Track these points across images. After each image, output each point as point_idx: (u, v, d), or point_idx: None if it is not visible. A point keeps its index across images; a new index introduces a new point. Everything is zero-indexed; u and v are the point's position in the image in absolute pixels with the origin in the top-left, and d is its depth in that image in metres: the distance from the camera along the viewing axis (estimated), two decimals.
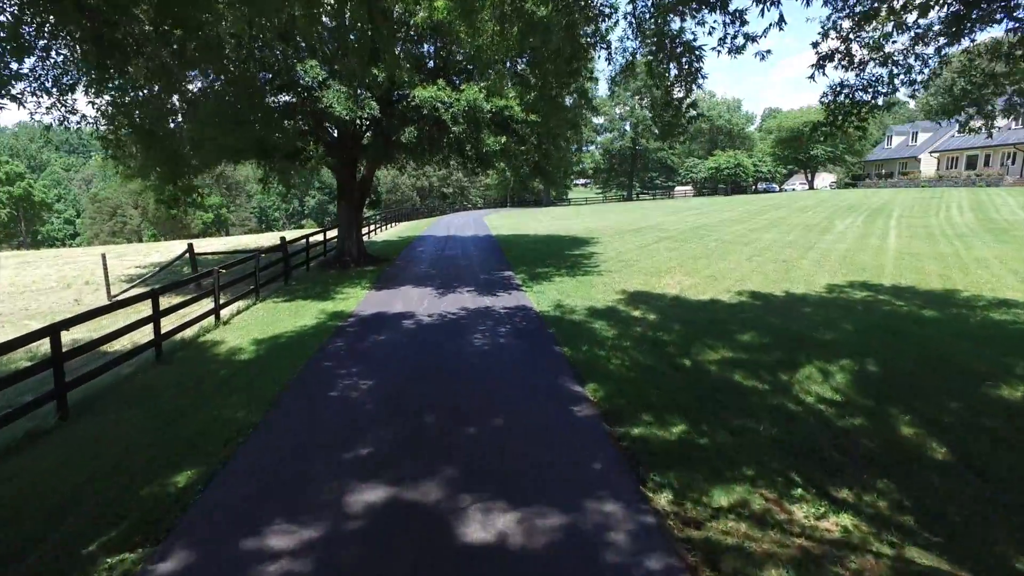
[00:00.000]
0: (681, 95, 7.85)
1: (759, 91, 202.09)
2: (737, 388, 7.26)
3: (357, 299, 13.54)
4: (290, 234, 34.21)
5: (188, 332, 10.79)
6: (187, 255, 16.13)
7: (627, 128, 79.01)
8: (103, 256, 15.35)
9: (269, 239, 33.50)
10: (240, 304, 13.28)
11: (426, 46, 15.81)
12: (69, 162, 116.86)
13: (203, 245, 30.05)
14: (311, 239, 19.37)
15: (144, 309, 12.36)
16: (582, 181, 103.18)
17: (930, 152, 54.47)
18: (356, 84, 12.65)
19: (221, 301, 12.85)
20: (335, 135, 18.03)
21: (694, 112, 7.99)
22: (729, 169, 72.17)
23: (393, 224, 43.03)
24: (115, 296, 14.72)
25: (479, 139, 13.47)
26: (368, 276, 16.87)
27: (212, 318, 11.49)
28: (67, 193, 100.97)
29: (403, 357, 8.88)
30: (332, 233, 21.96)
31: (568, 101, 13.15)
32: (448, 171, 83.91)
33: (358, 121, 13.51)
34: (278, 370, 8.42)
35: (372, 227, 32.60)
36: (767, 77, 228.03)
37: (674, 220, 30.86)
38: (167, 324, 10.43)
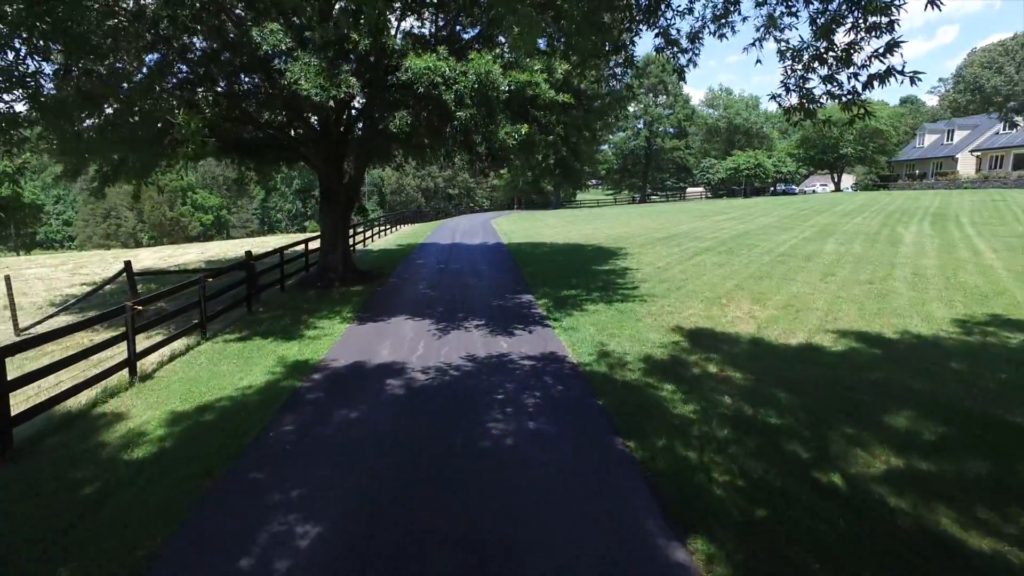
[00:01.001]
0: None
1: (761, 90, 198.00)
2: (958, 554, 4.01)
3: (332, 337, 10.34)
4: (281, 239, 31.16)
5: (85, 395, 7.64)
6: (128, 274, 12.93)
7: (641, 126, 75.64)
8: (7, 278, 12.18)
9: (261, 244, 30.42)
10: (179, 344, 10.12)
11: None
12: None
13: (174, 256, 26.98)
14: (288, 251, 16.21)
15: (48, 352, 9.21)
16: (590, 182, 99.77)
17: (970, 151, 50.82)
18: (331, 53, 9.48)
19: (158, 338, 9.71)
20: (318, 127, 14.86)
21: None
22: (749, 170, 68.65)
23: (395, 228, 39.91)
24: (24, 329, 11.59)
25: (492, 128, 10.20)
26: (353, 300, 13.69)
27: (126, 371, 8.32)
28: (67, 194, 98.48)
29: (379, 460, 5.68)
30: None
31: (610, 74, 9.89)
32: (453, 171, 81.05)
33: (332, 103, 10.26)
34: (178, 487, 5.24)
35: (373, 232, 29.43)
36: (773, 76, 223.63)
37: (707, 226, 27.53)
38: (70, 376, 7.26)
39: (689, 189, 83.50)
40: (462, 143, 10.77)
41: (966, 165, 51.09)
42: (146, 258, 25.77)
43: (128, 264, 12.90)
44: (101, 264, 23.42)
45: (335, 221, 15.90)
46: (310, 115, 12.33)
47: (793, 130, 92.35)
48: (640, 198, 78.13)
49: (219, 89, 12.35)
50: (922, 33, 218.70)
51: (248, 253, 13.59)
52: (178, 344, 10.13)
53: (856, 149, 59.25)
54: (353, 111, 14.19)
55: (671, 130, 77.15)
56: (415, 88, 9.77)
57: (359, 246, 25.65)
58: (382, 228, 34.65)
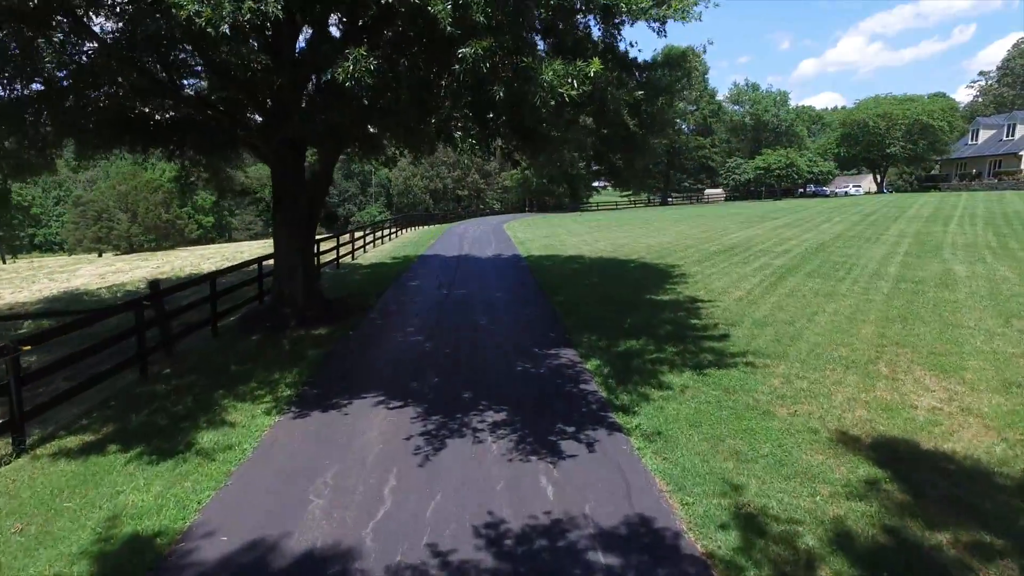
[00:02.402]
0: None
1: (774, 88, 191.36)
2: None
3: (236, 456, 5.85)
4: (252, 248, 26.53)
5: None
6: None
7: None
8: None
9: (246, 251, 26.09)
10: None
11: None
12: (75, 163, 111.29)
13: (122, 272, 22.62)
14: (227, 275, 11.80)
15: None
16: (600, 183, 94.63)
17: None
18: None
19: None
20: (268, 100, 10.39)
21: None
22: (780, 169, 63.65)
23: (397, 233, 35.50)
24: None
25: (528, 70, 5.53)
26: (306, 357, 9.17)
27: None
28: (68, 196, 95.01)
29: None
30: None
31: None
32: (462, 171, 76.76)
33: (232, 32, 5.73)
34: None
35: (370, 239, 24.99)
36: (786, 77, 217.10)
37: (764, 235, 22.82)
38: None
39: (708, 190, 78.45)
40: (470, 108, 6.16)
41: None
42: (87, 274, 21.50)
43: None
44: (11, 285, 19.12)
45: (293, 234, 11.46)
46: (237, 73, 7.99)
47: (826, 128, 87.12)
48: (661, 200, 73.32)
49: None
50: (937, 33, 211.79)
51: (153, 284, 9.16)
52: None
53: (905, 147, 54.02)
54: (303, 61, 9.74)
55: (690, 128, 72.30)
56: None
57: (345, 259, 21.20)
58: (382, 233, 30.23)
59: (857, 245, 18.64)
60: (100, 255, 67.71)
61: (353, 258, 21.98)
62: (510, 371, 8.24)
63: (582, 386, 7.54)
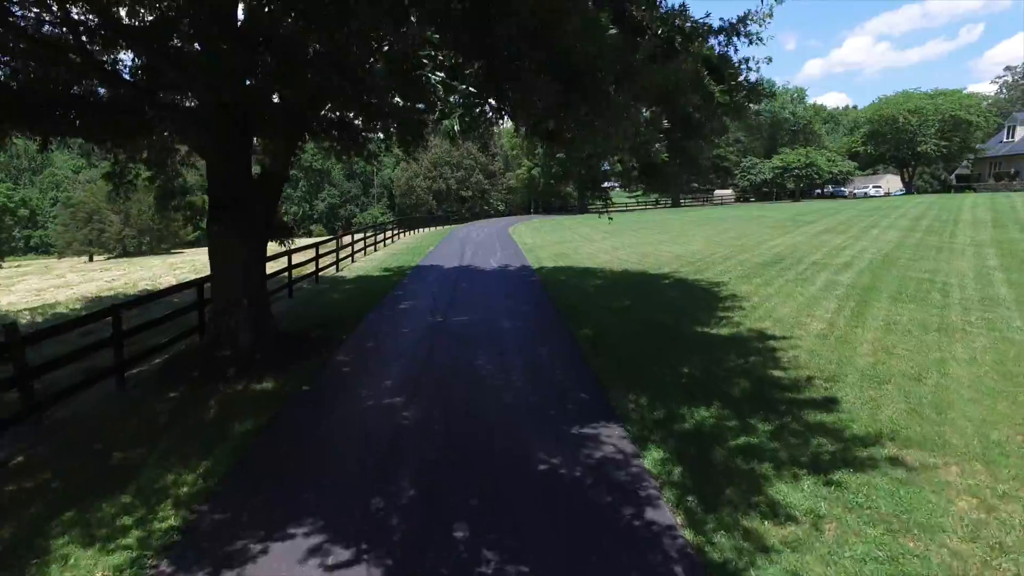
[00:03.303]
0: None
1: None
2: None
3: None
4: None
5: None
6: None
7: None
8: None
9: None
10: None
11: None
12: (78, 164, 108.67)
13: (60, 290, 19.87)
14: (145, 302, 8.97)
15: None
16: (608, 184, 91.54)
17: None
18: None
19: None
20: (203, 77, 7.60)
21: None
22: (800, 169, 60.52)
23: (396, 236, 32.74)
24: None
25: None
26: (229, 440, 6.30)
27: None
28: (68, 197, 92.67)
29: None
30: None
31: None
32: (465, 171, 74.07)
33: None
34: None
35: (364, 243, 22.14)
36: (790, 77, 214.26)
37: (808, 243, 19.87)
38: None
39: (717, 191, 75.15)
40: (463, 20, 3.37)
41: None
42: (24, 289, 18.75)
43: None
44: None
45: (236, 251, 8.64)
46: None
47: (839, 127, 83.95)
48: (673, 202, 70.27)
49: None
50: (944, 32, 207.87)
51: (9, 329, 6.34)
52: None
53: (937, 145, 50.79)
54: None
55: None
56: None
57: (328, 271, 18.39)
58: (375, 239, 27.42)
59: (931, 257, 15.69)
60: (91, 258, 65.35)
61: (337, 269, 19.12)
62: (529, 471, 5.36)
63: (647, 512, 4.64)
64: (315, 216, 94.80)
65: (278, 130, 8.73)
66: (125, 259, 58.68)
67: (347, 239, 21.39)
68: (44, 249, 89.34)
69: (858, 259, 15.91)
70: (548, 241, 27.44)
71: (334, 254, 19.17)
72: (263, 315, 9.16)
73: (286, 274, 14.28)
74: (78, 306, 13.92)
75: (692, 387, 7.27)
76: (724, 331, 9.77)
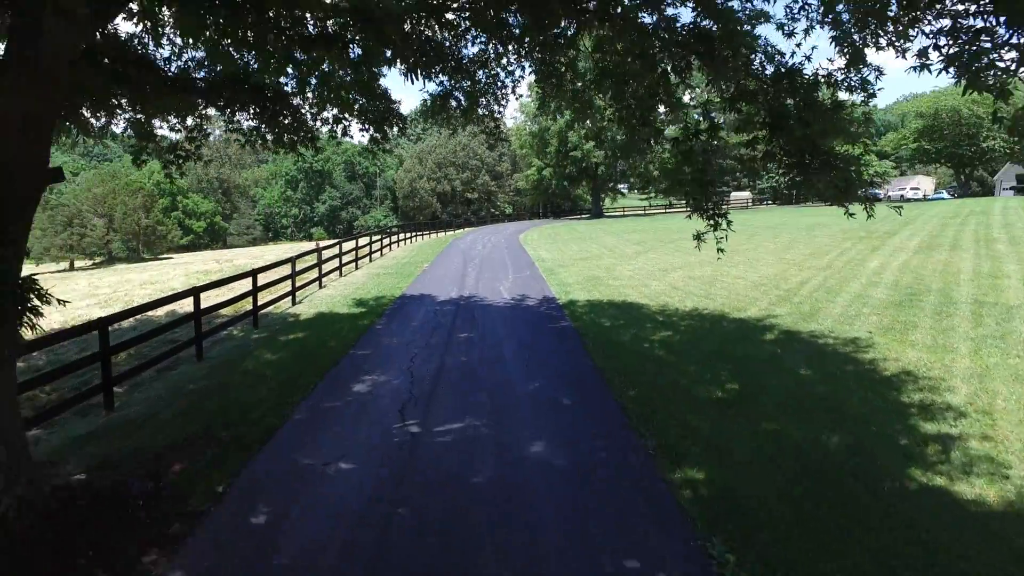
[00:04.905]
0: None
1: None
2: None
3: None
4: (283, 249, 18.59)
5: None
6: None
7: (697, 116, 62.15)
8: None
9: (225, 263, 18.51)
10: None
11: None
12: (78, 165, 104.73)
13: None
14: None
15: None
16: (624, 186, 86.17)
17: None
18: None
19: None
20: None
21: None
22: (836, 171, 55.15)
23: (396, 244, 27.92)
24: None
25: None
26: None
27: None
28: (44, 200, 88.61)
29: None
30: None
31: None
32: (471, 172, 69.34)
33: None
34: None
35: (339, 260, 17.15)
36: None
37: (926, 265, 14.81)
38: None
39: (734, 194, 69.73)
40: None
41: None
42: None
43: None
44: None
45: None
46: None
47: (869, 122, 78.48)
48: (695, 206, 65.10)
49: None
50: None
51: None
52: None
53: (1009, 141, 45.34)
54: None
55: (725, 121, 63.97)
56: None
57: (282, 304, 13.48)
58: (356, 254, 22.51)
59: None
60: (72, 265, 61.13)
61: (294, 302, 14.16)
62: None
63: None
64: (315, 219, 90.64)
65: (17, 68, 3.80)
66: (105, 268, 54.16)
67: (310, 259, 16.42)
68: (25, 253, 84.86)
69: (1016, 297, 10.84)
70: (570, 256, 22.42)
71: (290, 280, 14.19)
72: (18, 460, 4.20)
73: (221, 315, 9.35)
74: None
75: None
76: (972, 491, 4.74)
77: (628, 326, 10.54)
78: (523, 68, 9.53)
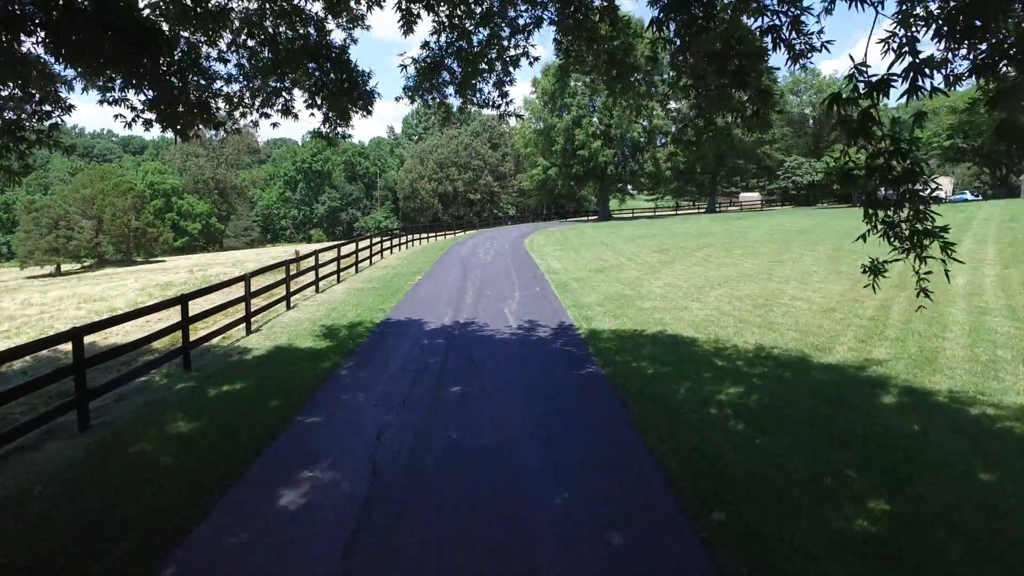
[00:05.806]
0: None
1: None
2: None
3: None
4: (280, 251, 16.25)
5: None
6: None
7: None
8: None
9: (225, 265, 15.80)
10: None
11: None
12: (76, 165, 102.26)
13: None
14: None
15: None
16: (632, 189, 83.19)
17: None
18: None
19: None
20: None
21: None
22: (859, 170, 52.31)
23: (389, 250, 25.22)
24: None
25: None
26: None
27: None
28: (28, 201, 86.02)
29: None
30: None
31: None
32: (474, 172, 66.62)
33: None
34: None
35: (318, 272, 14.36)
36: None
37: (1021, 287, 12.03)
38: None
39: (743, 195, 66.97)
40: None
41: None
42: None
43: None
44: None
45: None
46: None
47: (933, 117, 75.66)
48: (708, 207, 62.32)
49: None
50: None
51: None
52: None
53: None
54: None
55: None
56: None
57: (221, 340, 10.75)
58: (338, 264, 19.81)
59: None
60: (59, 268, 58.67)
61: (248, 330, 11.39)
62: None
63: None
64: (315, 220, 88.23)
65: None
66: (90, 273, 51.70)
67: (275, 275, 13.69)
68: (9, 256, 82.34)
69: None
70: (584, 266, 19.64)
71: (251, 299, 11.41)
72: None
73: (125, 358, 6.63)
74: None
75: None
76: None
77: (679, 375, 7.75)
78: (539, 27, 6.84)
